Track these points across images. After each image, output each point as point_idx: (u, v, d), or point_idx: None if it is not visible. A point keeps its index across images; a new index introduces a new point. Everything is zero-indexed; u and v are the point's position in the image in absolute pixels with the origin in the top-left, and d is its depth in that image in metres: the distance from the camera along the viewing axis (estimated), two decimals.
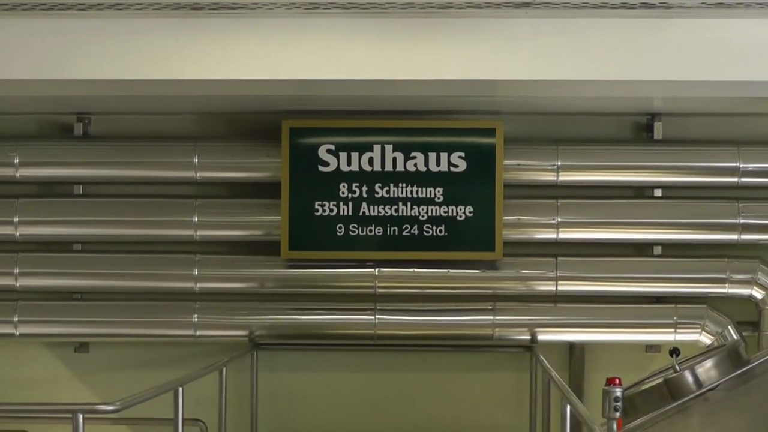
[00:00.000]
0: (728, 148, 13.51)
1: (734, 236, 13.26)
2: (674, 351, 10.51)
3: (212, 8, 9.08)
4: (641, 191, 13.74)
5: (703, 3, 9.31)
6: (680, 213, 13.54)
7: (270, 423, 13.56)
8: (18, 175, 12.90)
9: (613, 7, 9.26)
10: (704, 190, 13.65)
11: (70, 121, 13.22)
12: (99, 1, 8.84)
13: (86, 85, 10.33)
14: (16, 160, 12.86)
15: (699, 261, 13.52)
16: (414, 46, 9.61)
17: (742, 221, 13.28)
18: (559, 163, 13.30)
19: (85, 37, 9.28)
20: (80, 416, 8.16)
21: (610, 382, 8.85)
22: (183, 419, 10.06)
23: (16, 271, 12.82)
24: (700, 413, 10.00)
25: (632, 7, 9.24)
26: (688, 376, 10.01)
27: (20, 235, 12.91)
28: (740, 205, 13.35)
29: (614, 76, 10.00)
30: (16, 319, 12.82)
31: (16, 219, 12.82)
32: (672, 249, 13.67)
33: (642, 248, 13.68)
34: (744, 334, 12.93)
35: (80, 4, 8.95)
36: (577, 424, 9.12)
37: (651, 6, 9.26)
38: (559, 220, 13.29)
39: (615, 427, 8.64)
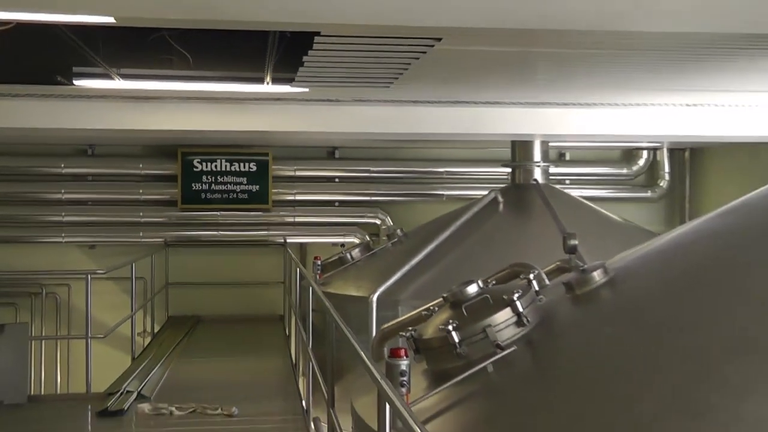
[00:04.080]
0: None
1: (370, 197, 15.25)
2: (343, 245, 13.77)
3: (147, 97, 8.93)
4: (330, 179, 15.31)
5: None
6: (353, 188, 15.30)
7: (174, 278, 14.93)
8: (63, 171, 14.41)
9: (300, 99, 9.26)
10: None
11: (84, 148, 14.60)
12: (96, 94, 8.62)
13: (90, 131, 10.68)
14: (62, 165, 14.39)
15: (355, 208, 15.27)
16: (233, 115, 9.62)
17: (372, 191, 15.22)
18: (295, 168, 15.10)
19: (87, 108, 9.15)
20: (89, 276, 10.09)
21: (315, 258, 11.68)
22: (135, 277, 12.31)
23: (63, 213, 14.35)
24: (356, 268, 11.40)
25: (302, 99, 9.31)
26: (348, 255, 11.87)
27: (65, 198, 14.40)
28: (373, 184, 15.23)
29: (314, 129, 10.11)
30: (63, 234, 14.35)
31: (63, 191, 14.34)
32: (344, 205, 15.24)
33: (330, 203, 15.24)
34: (372, 238, 14.64)
35: (87, 96, 8.86)
36: (303, 277, 9.77)
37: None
38: (295, 191, 15.22)
39: (318, 276, 10.90)
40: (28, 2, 3.36)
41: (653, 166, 15.75)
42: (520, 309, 4.63)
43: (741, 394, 3.63)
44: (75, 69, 6.48)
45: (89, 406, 8.63)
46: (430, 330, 4.88)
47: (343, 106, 9.52)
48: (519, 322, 4.63)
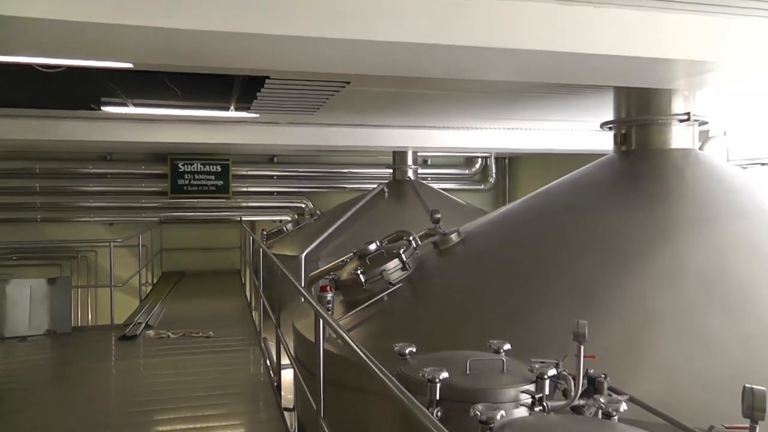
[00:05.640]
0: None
1: (298, 189, 14.35)
2: (281, 222, 12.47)
3: (149, 119, 8.39)
4: (270, 177, 14.35)
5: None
6: (286, 183, 14.36)
7: (166, 245, 14.40)
8: (91, 171, 13.57)
9: (253, 122, 8.78)
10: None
11: (105, 155, 13.62)
12: (115, 117, 8.07)
13: (110, 143, 9.75)
14: (90, 167, 13.51)
15: (288, 197, 14.40)
16: (207, 132, 9.00)
17: (299, 185, 14.40)
18: (247, 169, 14.24)
19: (109, 127, 8.55)
20: (111, 244, 9.80)
21: (262, 230, 11.51)
22: (141, 244, 11.69)
23: (91, 200, 13.54)
24: (289, 236, 10.76)
25: (254, 122, 8.76)
26: (284, 228, 11.41)
27: (92, 190, 13.54)
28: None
29: (261, 142, 9.34)
30: (91, 215, 13.54)
31: (91, 185, 13.54)
32: (281, 194, 14.31)
33: (271, 193, 14.29)
34: (300, 216, 13.35)
35: (109, 118, 8.23)
36: (255, 243, 9.38)
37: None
38: (247, 185, 14.22)
39: (264, 242, 10.22)
40: (75, 52, 3.22)
41: (485, 168, 15.54)
42: (404, 259, 4.77)
43: (550, 309, 3.75)
44: (102, 99, 6.44)
45: (113, 333, 8.52)
46: (345, 274, 4.93)
47: (282, 127, 9.16)
48: (404, 268, 4.76)
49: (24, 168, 13.45)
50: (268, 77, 5.48)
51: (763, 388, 1.94)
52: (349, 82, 5.86)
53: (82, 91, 5.99)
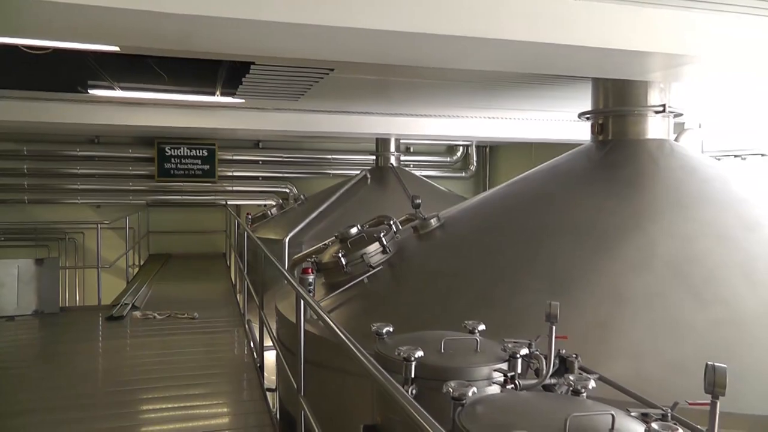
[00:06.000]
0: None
1: (282, 174, 14.32)
2: (265, 206, 12.31)
3: (136, 103, 8.21)
4: (256, 161, 14.20)
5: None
6: (271, 168, 14.31)
7: (153, 227, 14.11)
8: (78, 154, 13.30)
9: (238, 107, 8.68)
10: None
11: (93, 138, 13.42)
12: (102, 100, 7.92)
13: (97, 126, 9.14)
14: (78, 149, 13.22)
15: (273, 181, 14.32)
16: (193, 116, 8.77)
17: (284, 170, 14.35)
18: (233, 153, 14.03)
19: (96, 110, 8.41)
20: (99, 225, 9.65)
21: (247, 214, 11.15)
22: (128, 227, 11.75)
23: (78, 182, 13.28)
24: (274, 220, 10.66)
25: (239, 107, 8.68)
26: (269, 212, 11.32)
27: (80, 172, 13.31)
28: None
29: (246, 127, 9.20)
30: (78, 197, 13.35)
31: (78, 167, 13.29)
32: (266, 179, 14.25)
33: (256, 178, 14.31)
34: (284, 201, 13.29)
35: (96, 101, 8.07)
36: (240, 226, 9.30)
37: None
38: (233, 170, 14.15)
39: (249, 226, 10.10)
40: (61, 34, 3.23)
41: (466, 156, 15.51)
42: (385, 243, 4.77)
43: (525, 292, 3.77)
44: (89, 82, 6.31)
45: (100, 314, 8.43)
46: (326, 257, 4.95)
47: (266, 112, 9.07)
48: (384, 251, 4.77)
49: (12, 150, 13.23)
50: (253, 63, 5.43)
51: (724, 366, 1.97)
52: (332, 69, 5.85)
53: (69, 73, 5.88)
